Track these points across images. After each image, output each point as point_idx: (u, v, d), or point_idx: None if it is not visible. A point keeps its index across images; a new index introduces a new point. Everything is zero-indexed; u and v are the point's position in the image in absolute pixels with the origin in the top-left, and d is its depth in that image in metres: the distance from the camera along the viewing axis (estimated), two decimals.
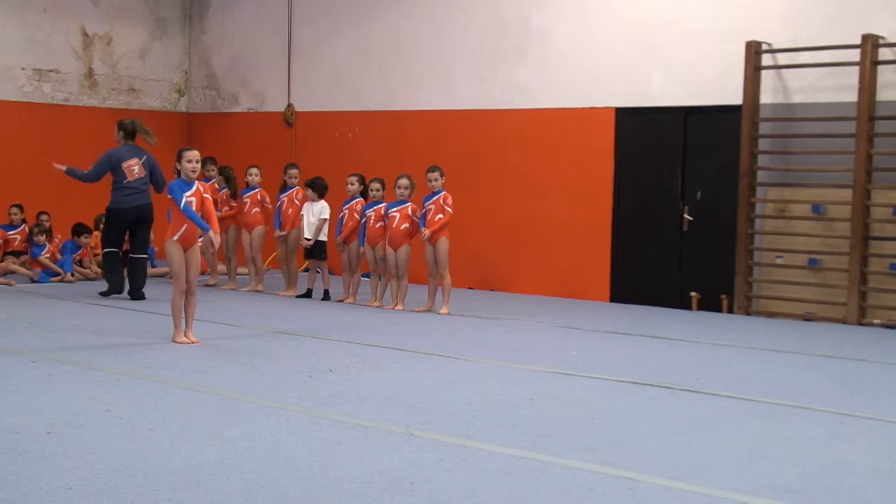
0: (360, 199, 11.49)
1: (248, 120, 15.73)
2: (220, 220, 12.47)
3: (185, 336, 8.44)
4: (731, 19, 11.54)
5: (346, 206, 11.57)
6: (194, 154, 8.60)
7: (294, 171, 12.23)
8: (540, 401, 6.62)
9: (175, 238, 8.40)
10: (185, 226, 8.40)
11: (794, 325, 10.74)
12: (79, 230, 13.13)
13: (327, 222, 11.80)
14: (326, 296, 11.76)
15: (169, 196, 8.48)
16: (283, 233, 12.06)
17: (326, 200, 12.00)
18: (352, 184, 11.54)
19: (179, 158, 8.53)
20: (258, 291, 12.34)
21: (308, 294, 11.93)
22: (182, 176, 8.48)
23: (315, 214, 11.81)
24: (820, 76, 11.06)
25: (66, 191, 13.19)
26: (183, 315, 8.45)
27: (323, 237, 11.83)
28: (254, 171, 12.42)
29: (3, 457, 4.98)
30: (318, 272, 12.01)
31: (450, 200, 10.85)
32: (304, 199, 12.13)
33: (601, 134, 12.45)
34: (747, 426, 6.11)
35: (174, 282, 8.45)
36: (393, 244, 11.01)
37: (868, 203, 10.72)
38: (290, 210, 12.11)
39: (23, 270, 12.69)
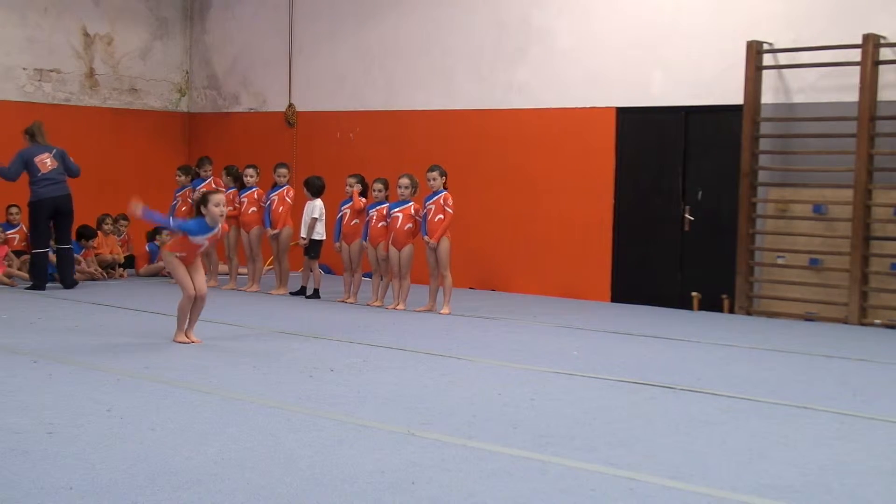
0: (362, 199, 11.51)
1: (249, 120, 15.73)
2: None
3: (186, 336, 8.43)
4: (732, 19, 11.54)
5: (345, 206, 11.58)
6: (221, 198, 8.34)
7: (283, 171, 12.26)
8: (541, 401, 6.62)
9: (173, 254, 8.40)
10: (183, 254, 8.35)
11: (795, 326, 10.74)
12: (84, 233, 13.17)
13: (318, 221, 11.82)
14: (316, 294, 11.77)
15: (182, 231, 8.34)
16: (274, 231, 12.10)
17: (327, 200, 12.02)
18: (351, 185, 11.54)
19: (205, 202, 8.22)
20: (255, 291, 12.33)
21: (302, 291, 11.95)
22: (207, 219, 8.25)
23: (308, 213, 11.85)
24: (821, 76, 11.05)
25: None
26: (187, 315, 8.44)
27: (316, 236, 11.85)
28: (250, 171, 12.43)
29: (5, 457, 4.98)
30: (310, 271, 12.00)
31: (450, 201, 10.85)
32: (295, 198, 12.17)
33: (602, 134, 12.45)
34: (748, 426, 6.11)
35: (183, 290, 8.37)
36: (396, 244, 11.01)
37: (869, 203, 10.71)
38: (281, 209, 12.14)
39: (23, 274, 12.63)
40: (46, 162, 12.00)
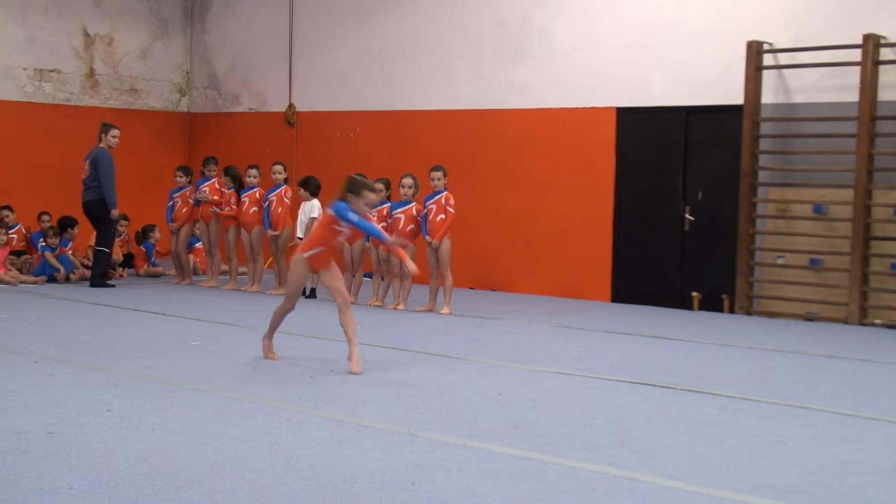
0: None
1: (249, 120, 15.73)
2: (224, 219, 12.54)
3: (356, 343, 7.52)
4: (733, 19, 11.54)
5: None
6: (374, 198, 7.69)
7: (278, 168, 12.27)
8: (541, 401, 6.62)
9: (305, 255, 7.69)
10: (322, 248, 7.65)
11: (796, 326, 10.74)
12: (69, 224, 13.21)
13: (317, 221, 11.79)
14: (312, 294, 11.76)
15: (336, 215, 7.55)
16: (274, 233, 12.08)
17: (325, 200, 11.99)
18: None
19: (357, 193, 7.49)
20: (255, 291, 12.31)
21: (313, 294, 11.89)
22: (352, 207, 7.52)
23: (306, 213, 11.81)
24: (821, 76, 11.05)
25: (67, 191, 13.20)
26: (280, 321, 7.89)
27: None
28: (253, 171, 12.42)
29: (5, 457, 4.98)
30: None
31: (452, 201, 10.85)
32: (294, 198, 12.14)
33: (602, 134, 12.45)
34: (748, 426, 6.11)
35: (285, 300, 7.86)
36: None
37: (869, 203, 10.71)
38: (280, 209, 12.13)
39: (30, 279, 12.61)
40: (86, 167, 12.37)
